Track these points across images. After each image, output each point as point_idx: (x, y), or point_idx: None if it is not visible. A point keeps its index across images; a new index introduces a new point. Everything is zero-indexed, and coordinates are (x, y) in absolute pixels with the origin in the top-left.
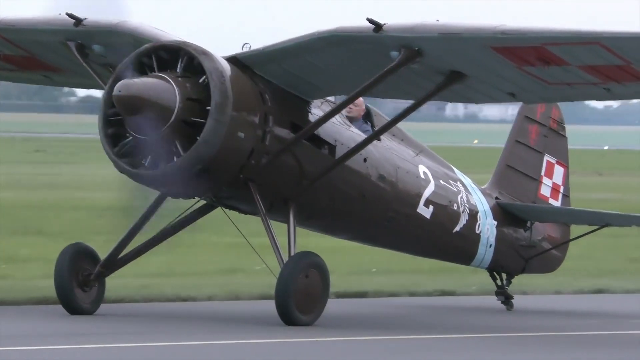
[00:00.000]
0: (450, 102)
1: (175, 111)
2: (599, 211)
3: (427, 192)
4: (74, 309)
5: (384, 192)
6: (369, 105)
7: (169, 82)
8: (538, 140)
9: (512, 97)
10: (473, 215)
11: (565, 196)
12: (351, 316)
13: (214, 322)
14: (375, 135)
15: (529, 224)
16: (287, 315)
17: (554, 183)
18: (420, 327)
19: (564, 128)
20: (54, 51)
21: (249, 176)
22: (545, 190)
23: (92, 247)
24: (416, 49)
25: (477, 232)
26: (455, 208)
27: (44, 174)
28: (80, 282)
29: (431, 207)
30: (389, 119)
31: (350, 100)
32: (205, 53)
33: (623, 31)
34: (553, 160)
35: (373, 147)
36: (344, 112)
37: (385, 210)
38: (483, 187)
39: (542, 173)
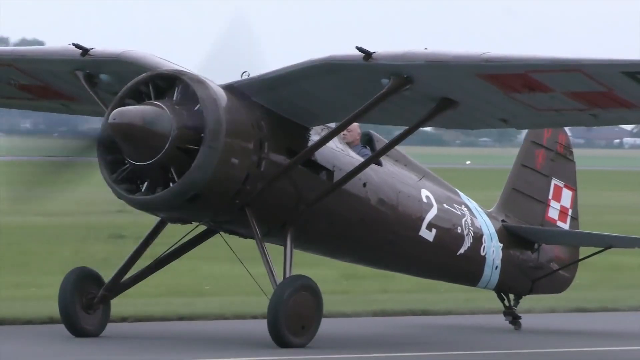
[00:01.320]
0: (445, 128)
1: (170, 138)
2: (602, 234)
3: (429, 216)
4: (78, 331)
5: (384, 215)
6: (371, 131)
7: (164, 109)
8: (545, 164)
9: (504, 123)
10: (477, 238)
11: (574, 219)
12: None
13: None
14: (369, 161)
15: (536, 245)
16: (279, 337)
17: (562, 206)
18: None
19: (571, 152)
20: (65, 81)
21: (245, 201)
22: (553, 213)
23: (96, 270)
24: (405, 76)
25: (482, 254)
26: (459, 231)
27: None
28: (85, 305)
29: (434, 230)
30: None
31: (343, 126)
32: (200, 81)
33: (603, 58)
34: (561, 184)
35: (373, 172)
36: (339, 138)
37: (386, 234)
38: (489, 210)
39: (550, 196)
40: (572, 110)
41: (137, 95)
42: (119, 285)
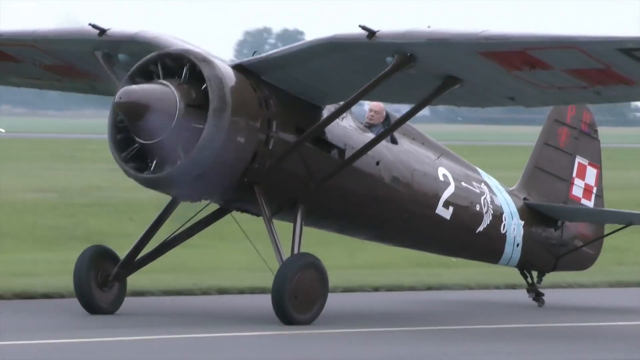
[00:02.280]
0: (454, 105)
1: (176, 116)
2: (622, 211)
3: (446, 194)
4: (93, 308)
5: (398, 193)
6: (388, 111)
7: (169, 88)
8: (568, 142)
9: (512, 100)
10: (497, 215)
11: (598, 197)
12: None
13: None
14: (378, 139)
15: (559, 223)
16: (283, 314)
17: (586, 184)
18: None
19: (596, 131)
20: (87, 61)
21: (253, 179)
22: (577, 191)
23: (112, 248)
24: (408, 54)
25: (503, 231)
26: (477, 209)
27: None
28: (100, 283)
29: (451, 208)
30: (408, 124)
31: (349, 104)
32: (206, 60)
33: (598, 35)
34: (585, 162)
35: (387, 151)
36: (366, 118)
37: (400, 212)
38: (511, 188)
39: (574, 174)
40: (574, 88)
41: (147, 74)
42: (133, 263)
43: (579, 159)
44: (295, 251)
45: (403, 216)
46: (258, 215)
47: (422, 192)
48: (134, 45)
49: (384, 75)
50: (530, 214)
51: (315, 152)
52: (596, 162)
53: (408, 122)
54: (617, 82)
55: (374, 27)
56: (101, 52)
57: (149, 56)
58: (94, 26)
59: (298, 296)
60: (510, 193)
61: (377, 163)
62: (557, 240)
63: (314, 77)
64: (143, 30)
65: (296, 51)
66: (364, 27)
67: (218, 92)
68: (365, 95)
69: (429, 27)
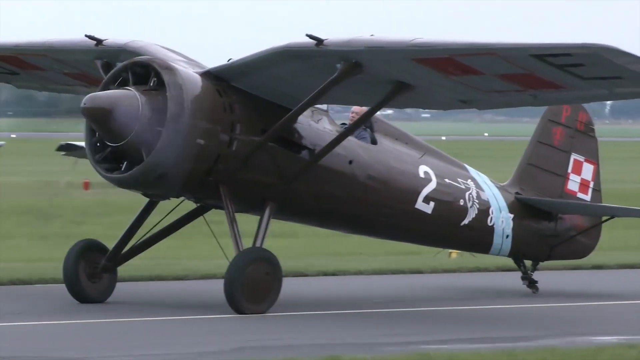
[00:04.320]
0: (414, 108)
1: (139, 120)
2: (603, 205)
3: (426, 190)
4: (82, 298)
5: (374, 191)
6: None
7: (133, 93)
8: (563, 141)
9: (464, 103)
10: (484, 209)
11: (596, 190)
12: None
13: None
14: (337, 140)
15: (554, 215)
16: (234, 304)
17: (582, 179)
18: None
19: (592, 130)
20: (94, 69)
21: (219, 179)
22: (572, 186)
23: (101, 242)
24: (354, 61)
25: (490, 224)
26: (461, 203)
27: None
28: (89, 275)
29: (432, 203)
30: (392, 125)
31: (301, 108)
32: (168, 68)
33: (512, 42)
34: (581, 159)
35: (362, 151)
36: (349, 120)
37: (378, 207)
38: (502, 184)
39: (569, 170)
40: (511, 92)
41: (121, 82)
42: (119, 256)
43: (574, 156)
44: (258, 245)
45: (382, 211)
46: (237, 212)
47: (400, 188)
48: (126, 54)
49: (332, 81)
50: (521, 207)
51: (282, 153)
52: (593, 159)
53: (391, 124)
54: (546, 86)
55: (322, 36)
56: (101, 60)
57: (120, 64)
58: (90, 37)
59: (249, 287)
60: (501, 188)
61: (350, 162)
62: (551, 231)
63: (278, 82)
64: (133, 40)
65: (255, 59)
66: (311, 36)
67: (176, 98)
68: (317, 99)
69: (371, 35)
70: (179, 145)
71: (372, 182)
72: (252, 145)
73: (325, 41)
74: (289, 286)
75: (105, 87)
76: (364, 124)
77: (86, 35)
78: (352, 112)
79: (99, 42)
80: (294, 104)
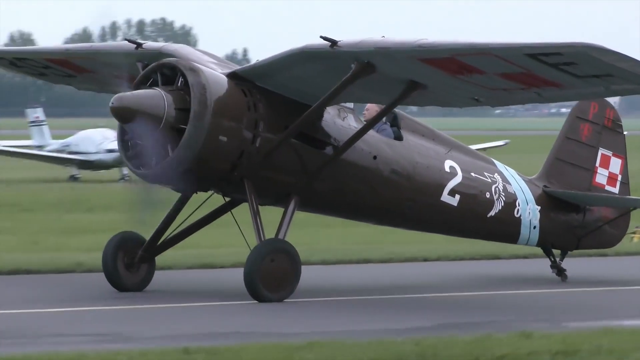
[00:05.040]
0: (430, 105)
1: (164, 119)
2: (625, 197)
3: (452, 183)
4: (120, 287)
5: (397, 184)
6: (396, 110)
7: (159, 93)
8: (591, 136)
9: (476, 101)
10: (510, 202)
11: (624, 183)
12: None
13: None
14: (356, 137)
15: (582, 207)
16: (254, 292)
17: (610, 172)
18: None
19: (620, 126)
20: (137, 71)
21: (243, 174)
22: (600, 179)
23: (138, 233)
24: (366, 61)
25: (517, 215)
26: (487, 196)
27: None
28: (127, 265)
29: (457, 196)
30: (418, 122)
31: (319, 106)
32: (193, 69)
33: (506, 42)
34: (609, 153)
35: (387, 146)
36: (362, 117)
37: (402, 200)
38: (530, 178)
39: (597, 164)
40: (517, 90)
41: (150, 82)
42: (155, 247)
43: (602, 151)
44: (281, 236)
45: (406, 204)
46: (262, 205)
47: (425, 182)
48: (162, 56)
49: (346, 80)
50: (549, 200)
51: (305, 149)
52: (621, 153)
53: (419, 121)
54: (546, 84)
55: (336, 38)
56: (141, 63)
57: (150, 66)
58: (129, 41)
59: (267, 277)
60: (529, 182)
61: (375, 157)
62: (578, 222)
63: (300, 82)
64: (167, 44)
65: (276, 61)
66: (325, 38)
67: (199, 97)
68: (333, 98)
69: (383, 36)
70: (201, 142)
71: (396, 177)
72: (275, 142)
73: (339, 42)
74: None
75: (137, 88)
76: (386, 120)
77: (126, 39)
78: (366, 110)
79: (138, 45)
80: (315, 101)
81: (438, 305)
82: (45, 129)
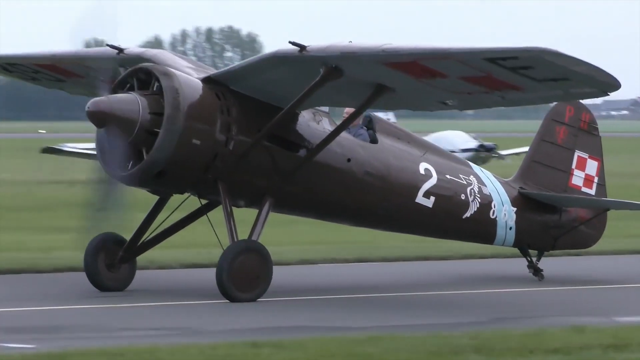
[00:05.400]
0: (399, 109)
1: (139, 123)
2: (597, 198)
3: (426, 185)
4: (101, 286)
5: (371, 186)
6: (371, 113)
7: (134, 98)
8: (567, 139)
9: (445, 105)
10: (485, 203)
11: (600, 185)
12: None
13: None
14: (328, 140)
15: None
16: (224, 291)
17: (586, 174)
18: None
19: (595, 128)
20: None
21: (217, 176)
22: (577, 181)
23: (120, 234)
24: (333, 66)
25: (492, 217)
26: (462, 198)
27: None
28: (108, 265)
29: (432, 198)
30: (394, 125)
31: (288, 111)
32: (166, 74)
33: (464, 46)
34: (585, 155)
35: (361, 149)
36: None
37: (376, 201)
38: (507, 180)
39: (573, 166)
40: (480, 93)
41: (125, 87)
42: (135, 248)
43: (578, 153)
44: (254, 237)
45: (382, 205)
46: (238, 207)
47: (400, 184)
48: (143, 62)
49: (315, 84)
50: (525, 201)
51: (279, 151)
52: (597, 155)
53: (396, 124)
54: (507, 87)
55: (304, 43)
56: (124, 68)
57: (126, 71)
58: (111, 46)
59: (238, 277)
60: (504, 183)
61: (349, 160)
62: (555, 223)
63: (274, 86)
64: (147, 49)
65: (249, 65)
66: (294, 43)
67: (172, 101)
68: (303, 102)
69: (350, 42)
70: (174, 145)
71: (370, 178)
72: (248, 144)
73: (307, 48)
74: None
75: (114, 93)
76: (362, 124)
77: (107, 45)
78: (345, 113)
79: (120, 50)
80: (286, 104)
81: (490, 302)
82: None
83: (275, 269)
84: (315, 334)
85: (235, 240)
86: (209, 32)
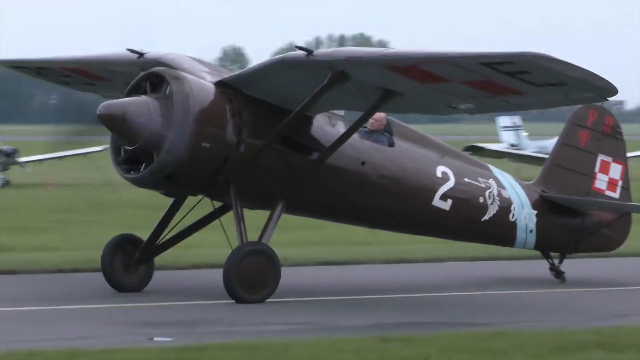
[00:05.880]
0: (408, 113)
1: (149, 126)
2: (617, 202)
3: (443, 188)
4: (118, 287)
5: (386, 189)
6: (388, 117)
7: (146, 102)
8: (589, 143)
9: (454, 109)
10: (505, 206)
11: (625, 188)
12: None
13: None
14: (338, 143)
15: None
16: (232, 294)
17: (610, 178)
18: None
19: (619, 132)
20: None
21: (229, 178)
22: (600, 184)
23: (137, 235)
24: (340, 70)
25: (512, 220)
26: (481, 201)
27: None
28: (125, 265)
29: (449, 201)
30: (412, 129)
31: (297, 114)
32: (177, 78)
33: (461, 51)
34: (608, 159)
35: (376, 153)
36: (368, 125)
37: (392, 204)
38: (528, 183)
39: (596, 170)
40: (484, 98)
41: (139, 90)
42: (152, 248)
43: (601, 157)
44: (264, 240)
45: (397, 207)
46: (252, 209)
47: (415, 187)
48: (162, 65)
49: (322, 88)
50: (545, 204)
51: (292, 155)
52: (621, 159)
53: (412, 128)
54: (510, 92)
55: (311, 48)
56: (145, 72)
57: (139, 75)
58: (132, 51)
59: (246, 278)
60: (525, 187)
61: (363, 163)
62: (577, 226)
63: (285, 89)
64: (167, 53)
65: (258, 70)
66: (301, 48)
67: (181, 105)
68: (311, 105)
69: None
70: (184, 148)
71: (385, 181)
72: (258, 147)
73: (314, 52)
74: None
75: (128, 96)
76: (381, 129)
77: (128, 49)
78: (372, 118)
79: (140, 55)
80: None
81: (614, 298)
82: (521, 133)
83: (404, 267)
84: (444, 329)
85: (245, 243)
86: (342, 40)
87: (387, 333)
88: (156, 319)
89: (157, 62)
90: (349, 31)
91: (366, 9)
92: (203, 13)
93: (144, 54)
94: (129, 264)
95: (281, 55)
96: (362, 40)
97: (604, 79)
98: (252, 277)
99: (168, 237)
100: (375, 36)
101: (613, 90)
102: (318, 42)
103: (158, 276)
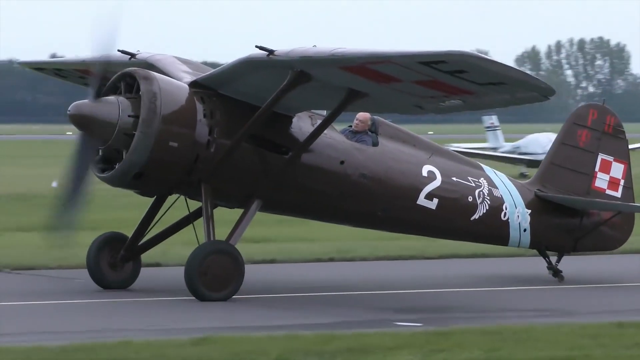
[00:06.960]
0: (376, 112)
1: (117, 125)
2: (611, 202)
3: (429, 187)
4: (104, 285)
5: (367, 189)
6: (374, 117)
7: (115, 102)
8: (589, 142)
9: (419, 109)
10: (496, 206)
11: (627, 188)
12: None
13: None
14: (307, 142)
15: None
16: (194, 292)
17: (611, 177)
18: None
19: (621, 132)
20: None
21: (201, 178)
22: (600, 183)
23: (123, 233)
24: (299, 70)
25: (504, 219)
26: (469, 200)
27: None
28: (111, 264)
29: (435, 200)
30: (399, 129)
31: (261, 114)
32: (147, 78)
33: (400, 50)
34: (609, 158)
35: (358, 152)
36: (353, 126)
37: (375, 203)
38: (523, 182)
39: (596, 169)
40: (439, 97)
41: (115, 90)
42: (136, 247)
43: (602, 156)
44: (233, 239)
45: (380, 206)
46: (230, 207)
47: (399, 186)
48: (151, 67)
49: (283, 87)
50: (541, 203)
51: (266, 154)
52: (623, 158)
53: (401, 128)
54: (462, 92)
55: (272, 48)
56: None
57: (115, 75)
58: (123, 52)
59: (208, 276)
60: (520, 186)
61: (342, 162)
62: (575, 225)
63: (258, 89)
64: (154, 54)
65: (227, 70)
66: (261, 48)
67: (148, 105)
68: (274, 104)
69: (314, 46)
70: (150, 147)
71: (365, 181)
72: (228, 147)
73: (275, 52)
74: None
75: (104, 95)
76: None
77: (119, 50)
78: (356, 119)
79: (132, 55)
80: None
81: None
82: (499, 133)
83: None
84: None
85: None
86: (581, 43)
87: (624, 319)
88: (406, 305)
89: (145, 63)
90: (589, 34)
91: (606, 11)
92: None
93: (136, 54)
94: (114, 262)
95: (246, 56)
96: (601, 43)
97: (538, 79)
98: (214, 275)
99: (153, 234)
100: (613, 39)
101: (550, 90)
102: (559, 46)
103: None
